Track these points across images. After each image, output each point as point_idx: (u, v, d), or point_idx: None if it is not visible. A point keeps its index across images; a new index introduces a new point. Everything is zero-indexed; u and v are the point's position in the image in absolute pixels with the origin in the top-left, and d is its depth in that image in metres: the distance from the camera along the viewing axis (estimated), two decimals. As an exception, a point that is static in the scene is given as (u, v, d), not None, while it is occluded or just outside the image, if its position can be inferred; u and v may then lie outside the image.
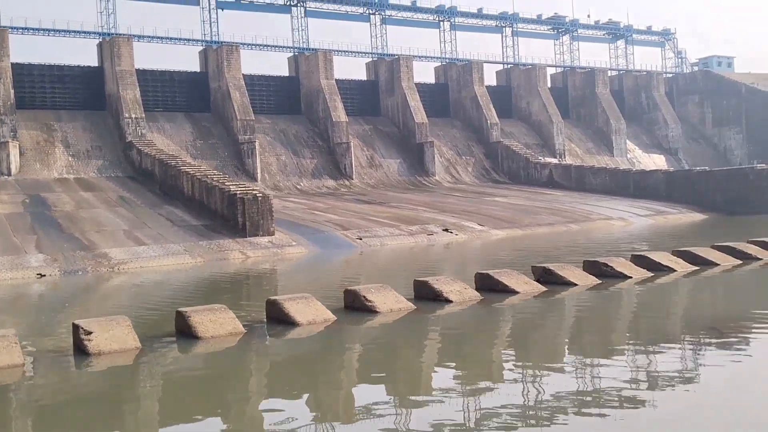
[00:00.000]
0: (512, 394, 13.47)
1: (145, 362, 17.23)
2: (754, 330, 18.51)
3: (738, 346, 16.70)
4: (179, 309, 20.17)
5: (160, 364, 17.46)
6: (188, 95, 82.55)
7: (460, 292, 23.66)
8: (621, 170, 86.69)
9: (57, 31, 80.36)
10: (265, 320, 21.24)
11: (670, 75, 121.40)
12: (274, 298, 21.64)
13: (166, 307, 25.55)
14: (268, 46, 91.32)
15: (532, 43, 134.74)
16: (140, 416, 13.80)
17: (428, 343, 19.36)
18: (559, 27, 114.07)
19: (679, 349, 16.87)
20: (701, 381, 14.14)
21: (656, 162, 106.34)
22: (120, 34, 78.86)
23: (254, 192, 52.40)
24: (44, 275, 39.58)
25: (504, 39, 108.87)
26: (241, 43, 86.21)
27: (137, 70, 76.73)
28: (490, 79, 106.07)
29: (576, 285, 25.54)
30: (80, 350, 17.65)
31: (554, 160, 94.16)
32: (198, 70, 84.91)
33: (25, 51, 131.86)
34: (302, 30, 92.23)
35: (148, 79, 79.15)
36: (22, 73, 73.47)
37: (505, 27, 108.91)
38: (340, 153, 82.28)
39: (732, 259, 30.94)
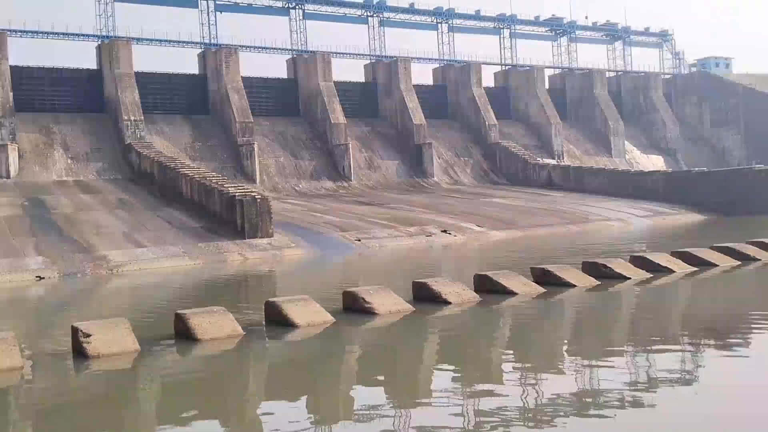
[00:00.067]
0: (511, 396, 13.48)
1: (144, 365, 17.24)
2: (753, 331, 18.53)
3: (737, 347, 16.72)
4: (178, 311, 20.17)
5: (159, 366, 17.46)
6: (187, 98, 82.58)
7: (458, 293, 23.67)
8: (620, 171, 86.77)
9: (56, 33, 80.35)
10: (264, 322, 21.24)
11: (668, 76, 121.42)
12: (272, 300, 21.64)
13: (165, 309, 25.55)
14: (267, 48, 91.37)
15: (530, 45, 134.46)
16: (139, 419, 13.80)
17: (427, 345, 19.36)
18: (557, 28, 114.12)
19: (679, 350, 16.88)
20: (700, 382, 14.15)
21: (655, 163, 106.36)
22: (119, 37, 78.89)
23: (253, 194, 52.42)
24: (43, 278, 39.59)
25: (502, 40, 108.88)
26: (240, 46, 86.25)
27: (136, 73, 76.75)
28: (488, 80, 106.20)
29: (575, 286, 25.54)
30: (79, 353, 17.65)
31: (553, 162, 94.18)
32: (197, 73, 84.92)
33: (24, 54, 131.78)
34: (300, 32, 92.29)
35: (147, 81, 79.13)
36: (21, 75, 73.46)
37: (503, 28, 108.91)
38: (338, 155, 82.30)
39: (731, 259, 30.95)
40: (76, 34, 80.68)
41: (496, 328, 21.27)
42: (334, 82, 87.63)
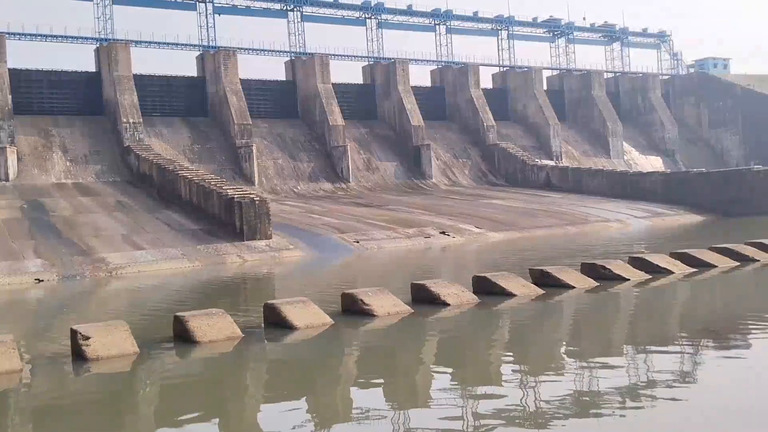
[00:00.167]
0: (510, 398, 13.49)
1: (143, 367, 17.25)
2: (751, 332, 18.53)
3: (736, 348, 16.75)
4: (177, 313, 20.18)
5: (158, 369, 17.47)
6: (186, 100, 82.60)
7: (457, 295, 23.68)
8: (618, 172, 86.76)
9: (54, 36, 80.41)
10: (262, 324, 21.25)
11: (666, 77, 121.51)
12: (271, 302, 21.65)
13: (164, 311, 25.57)
14: (265, 50, 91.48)
15: (528, 46, 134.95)
16: (139, 421, 13.81)
17: (426, 346, 19.37)
18: (555, 30, 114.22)
19: (677, 351, 16.89)
20: (699, 383, 14.17)
21: (653, 164, 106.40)
22: (117, 40, 78.97)
23: (251, 196, 52.44)
24: (42, 280, 39.59)
25: (500, 42, 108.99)
26: (239, 48, 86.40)
27: (135, 75, 76.78)
28: (486, 81, 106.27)
29: (574, 287, 25.55)
30: (78, 355, 17.66)
31: (551, 163, 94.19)
32: (195, 75, 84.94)
33: (22, 56, 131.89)
34: (299, 34, 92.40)
35: (145, 84, 79.18)
36: (20, 78, 73.45)
37: (500, 30, 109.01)
38: (337, 156, 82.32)
39: (729, 260, 30.97)
40: (75, 37, 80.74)
41: (494, 329, 21.28)
42: (332, 84, 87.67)
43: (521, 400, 13.35)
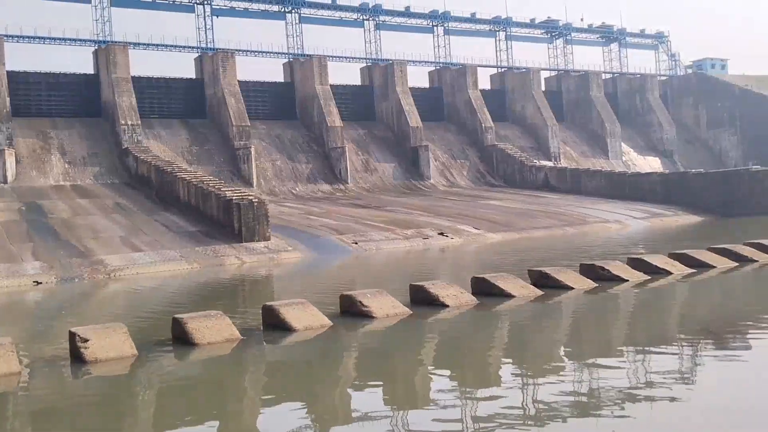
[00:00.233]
0: (509, 399, 13.49)
1: (141, 369, 17.24)
2: (750, 332, 18.55)
3: (735, 349, 16.75)
4: (175, 315, 20.17)
5: (157, 371, 17.46)
6: (184, 102, 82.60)
7: (456, 296, 23.68)
8: (617, 173, 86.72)
9: (53, 39, 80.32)
10: (261, 326, 21.24)
11: (664, 78, 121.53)
12: (270, 304, 21.65)
13: (162, 313, 25.56)
14: (263, 52, 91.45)
15: (525, 47, 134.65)
16: (137, 424, 13.80)
17: (425, 348, 19.37)
18: (553, 31, 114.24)
19: (676, 351, 16.90)
20: (698, 383, 14.17)
21: (651, 164, 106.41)
22: (115, 42, 78.94)
23: (250, 197, 52.43)
24: (41, 283, 39.56)
25: (497, 43, 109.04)
26: (237, 50, 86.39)
27: (133, 77, 76.74)
28: (485, 82, 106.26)
29: (573, 288, 25.56)
30: (77, 358, 17.64)
31: (549, 164, 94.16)
32: (194, 77, 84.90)
33: (21, 59, 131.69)
34: (297, 36, 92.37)
35: (143, 86, 79.21)
36: (18, 81, 73.41)
37: (498, 31, 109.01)
38: (335, 158, 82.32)
39: (728, 261, 31.00)
40: (73, 39, 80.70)
41: (493, 331, 21.28)
42: (330, 85, 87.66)
43: (520, 401, 13.35)
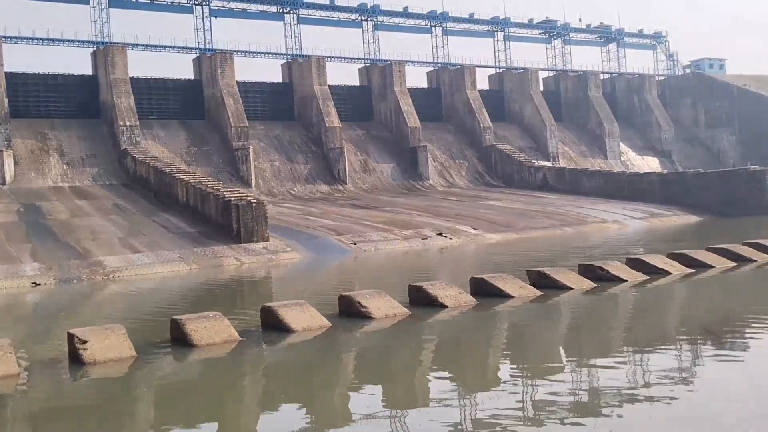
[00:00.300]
0: (508, 400, 13.48)
1: (140, 371, 17.22)
2: (749, 332, 18.55)
3: (734, 349, 16.75)
4: (174, 317, 20.15)
5: (156, 372, 17.45)
6: (182, 102, 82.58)
7: (455, 297, 23.67)
8: (615, 173, 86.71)
9: (51, 40, 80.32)
10: (260, 327, 21.23)
11: (663, 78, 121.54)
12: (269, 304, 21.64)
13: (161, 314, 25.54)
14: (262, 53, 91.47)
15: (524, 48, 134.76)
16: (136, 425, 13.79)
17: (424, 349, 19.36)
18: (551, 31, 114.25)
19: (675, 352, 16.90)
20: (697, 384, 14.17)
21: (650, 164, 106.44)
22: (114, 43, 78.92)
23: (248, 198, 52.40)
24: (39, 284, 39.52)
25: (496, 43, 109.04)
26: (235, 51, 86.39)
27: (131, 78, 76.71)
28: (483, 83, 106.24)
29: (571, 289, 25.55)
30: (75, 359, 17.63)
31: (548, 164, 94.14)
32: (192, 78, 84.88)
33: (19, 60, 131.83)
34: (295, 37, 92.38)
35: (142, 87, 79.18)
36: (16, 82, 73.38)
37: (496, 32, 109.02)
38: (333, 158, 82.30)
39: (727, 261, 31.00)
40: (71, 41, 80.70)
41: (492, 331, 21.28)
42: (328, 85, 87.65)
43: (519, 401, 13.34)
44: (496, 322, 22.44)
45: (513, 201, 73.91)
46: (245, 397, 15.47)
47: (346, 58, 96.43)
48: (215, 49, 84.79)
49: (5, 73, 70.74)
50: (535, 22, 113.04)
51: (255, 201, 51.63)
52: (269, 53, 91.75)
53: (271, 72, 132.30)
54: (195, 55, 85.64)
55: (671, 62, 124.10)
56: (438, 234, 54.76)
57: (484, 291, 24.78)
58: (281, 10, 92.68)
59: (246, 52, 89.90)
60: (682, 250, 31.71)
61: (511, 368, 16.48)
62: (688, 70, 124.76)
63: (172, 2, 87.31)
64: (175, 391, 16.04)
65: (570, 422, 12.00)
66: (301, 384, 15.85)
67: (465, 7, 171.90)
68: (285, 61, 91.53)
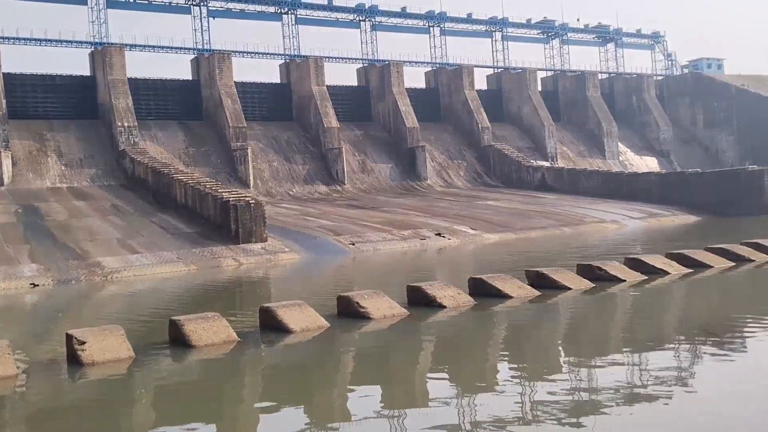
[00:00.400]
0: (507, 400, 13.48)
1: (138, 372, 17.21)
2: (747, 332, 18.55)
3: (732, 348, 16.75)
4: (172, 317, 20.15)
5: (154, 373, 17.44)
6: (181, 103, 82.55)
7: (453, 297, 23.66)
8: (613, 173, 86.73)
9: (49, 40, 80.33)
10: (258, 328, 21.22)
11: (661, 77, 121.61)
12: (267, 305, 21.64)
13: (159, 315, 25.54)
14: (260, 53, 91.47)
15: (522, 48, 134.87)
16: (134, 426, 13.78)
17: (422, 349, 19.35)
18: (549, 31, 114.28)
19: (674, 352, 16.90)
20: (696, 383, 14.17)
21: (648, 164, 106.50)
22: (112, 44, 78.88)
23: (247, 199, 52.38)
24: (37, 285, 39.49)
25: (494, 43, 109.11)
26: (233, 51, 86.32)
27: (129, 79, 76.68)
28: (481, 83, 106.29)
29: (570, 289, 25.55)
30: (74, 360, 17.62)
31: (546, 164, 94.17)
32: (190, 78, 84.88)
33: (17, 61, 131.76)
34: (293, 37, 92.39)
35: (140, 87, 79.15)
36: (14, 83, 73.33)
37: (494, 32, 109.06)
38: (331, 159, 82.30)
39: (725, 261, 31.01)
40: (69, 41, 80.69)
41: (491, 331, 21.27)
42: (326, 86, 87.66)
43: (518, 402, 13.34)
44: (494, 322, 22.44)
45: (511, 201, 73.91)
46: (244, 398, 15.46)
47: (345, 58, 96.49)
48: (213, 50, 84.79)
49: (3, 73, 70.68)
50: (533, 22, 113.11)
51: (253, 201, 51.61)
52: (267, 54, 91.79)
53: (269, 72, 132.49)
54: (193, 56, 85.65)
55: (669, 62, 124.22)
56: (436, 234, 54.76)
57: (482, 291, 24.77)
58: (279, 11, 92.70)
59: (244, 52, 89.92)
60: (681, 250, 31.72)
61: (510, 368, 16.47)
62: (686, 70, 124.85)
63: (169, 3, 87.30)
64: (173, 391, 16.02)
65: (568, 422, 12.00)
66: (300, 384, 15.84)
67: (463, 7, 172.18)
68: (283, 61, 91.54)
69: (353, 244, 50.38)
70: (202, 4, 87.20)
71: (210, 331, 19.37)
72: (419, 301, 23.65)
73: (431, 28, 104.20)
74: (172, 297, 34.53)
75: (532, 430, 11.82)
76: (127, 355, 17.91)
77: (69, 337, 18.02)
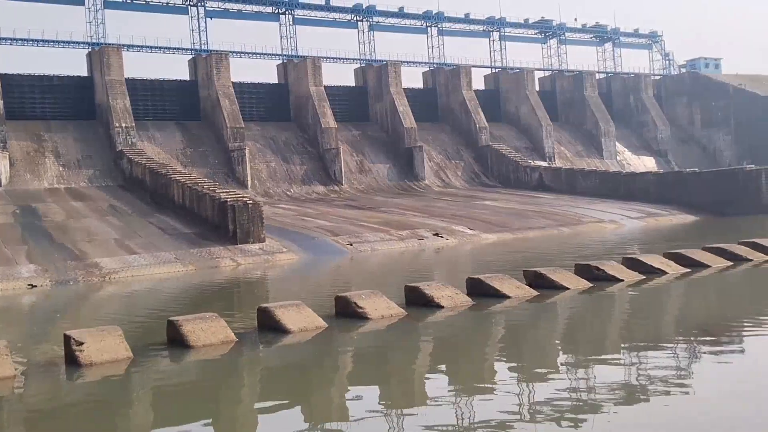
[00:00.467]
0: (505, 400, 13.49)
1: (136, 372, 17.21)
2: (745, 331, 18.57)
3: (730, 348, 16.77)
4: (170, 318, 20.15)
5: (152, 373, 17.43)
6: (178, 104, 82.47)
7: (451, 297, 23.67)
8: (611, 173, 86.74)
9: (46, 41, 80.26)
10: (256, 328, 21.22)
11: (658, 77, 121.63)
12: (265, 305, 21.63)
13: (157, 316, 25.53)
14: (257, 53, 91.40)
15: (519, 47, 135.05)
16: (133, 427, 13.78)
17: (420, 349, 19.36)
18: (547, 31, 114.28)
19: (672, 351, 16.91)
20: (694, 383, 14.19)
21: (646, 164, 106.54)
22: (109, 44, 78.78)
23: (245, 199, 52.36)
24: (35, 286, 39.47)
25: (491, 43, 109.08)
26: (230, 51, 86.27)
27: (127, 80, 76.62)
28: (479, 83, 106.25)
29: (568, 289, 25.57)
30: (72, 361, 17.61)
31: (544, 164, 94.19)
32: (188, 79, 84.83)
33: (14, 61, 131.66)
34: (291, 37, 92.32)
35: (137, 88, 79.07)
36: (12, 83, 73.29)
37: (492, 31, 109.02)
38: (329, 159, 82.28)
39: (723, 260, 31.04)
40: (67, 42, 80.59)
41: (489, 331, 21.28)
42: (324, 86, 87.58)
43: (516, 401, 13.35)
44: (492, 322, 22.45)
45: (509, 201, 73.92)
46: (242, 398, 15.46)
47: (342, 58, 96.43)
48: (211, 50, 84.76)
49: (0, 74, 70.67)
50: (530, 21, 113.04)
51: (251, 202, 51.59)
52: (265, 54, 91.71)
53: (266, 73, 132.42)
54: (190, 56, 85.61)
55: (667, 62, 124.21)
56: (434, 234, 54.76)
57: (480, 291, 24.79)
58: (276, 11, 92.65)
59: (241, 52, 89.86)
60: (679, 250, 31.75)
61: (508, 368, 16.48)
62: (683, 70, 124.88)
63: (167, 3, 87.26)
64: (171, 392, 16.02)
65: (566, 422, 12.01)
66: (298, 385, 15.84)
67: (460, 7, 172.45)
68: (280, 61, 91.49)
69: (351, 245, 50.39)
70: (199, 4, 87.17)
71: (208, 332, 19.38)
72: (417, 301, 23.66)
73: (429, 28, 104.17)
74: (169, 297, 34.52)
75: (530, 430, 11.82)
76: (125, 356, 17.91)
77: (67, 338, 18.02)
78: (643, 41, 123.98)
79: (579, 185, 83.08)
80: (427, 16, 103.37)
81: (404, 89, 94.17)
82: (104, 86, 74.52)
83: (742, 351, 16.54)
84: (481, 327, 21.71)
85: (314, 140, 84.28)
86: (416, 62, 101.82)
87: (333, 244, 50.65)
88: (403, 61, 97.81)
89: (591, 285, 26.19)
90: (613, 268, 28.17)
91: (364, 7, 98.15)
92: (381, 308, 22.21)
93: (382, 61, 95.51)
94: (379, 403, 14.12)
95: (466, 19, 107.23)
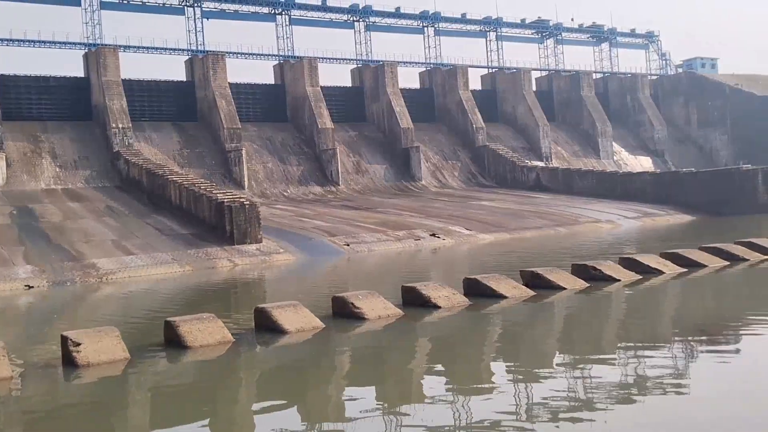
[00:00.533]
0: (502, 400, 13.50)
1: (134, 373, 17.20)
2: (742, 331, 18.59)
3: (727, 348, 16.79)
4: (168, 318, 20.15)
5: (150, 374, 17.43)
6: (175, 104, 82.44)
7: (448, 297, 23.67)
8: (608, 173, 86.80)
9: (43, 42, 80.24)
10: (253, 328, 21.22)
11: (655, 77, 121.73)
12: (262, 306, 21.63)
13: (154, 316, 25.51)
14: (254, 54, 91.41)
15: (516, 48, 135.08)
16: (130, 427, 13.78)
17: (417, 349, 19.37)
18: (543, 31, 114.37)
19: (669, 351, 16.93)
20: (691, 383, 14.20)
21: (643, 164, 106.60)
22: (106, 45, 78.74)
23: (241, 200, 52.35)
24: (32, 286, 39.43)
25: (488, 43, 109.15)
26: (227, 52, 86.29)
27: (124, 80, 76.59)
28: (475, 83, 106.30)
29: (565, 289, 25.57)
30: (69, 362, 17.60)
31: (541, 164, 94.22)
32: (184, 80, 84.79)
33: (10, 62, 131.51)
34: (287, 38, 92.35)
35: (134, 89, 79.04)
36: (8, 84, 73.27)
37: (489, 32, 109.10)
38: (326, 159, 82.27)
39: (719, 260, 31.07)
40: (63, 42, 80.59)
41: (485, 332, 21.29)
42: (320, 87, 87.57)
43: (513, 401, 13.36)
44: (489, 322, 22.46)
45: (506, 201, 73.94)
46: (239, 399, 15.47)
47: (339, 59, 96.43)
48: (207, 51, 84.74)
49: (-3, 75, 70.69)
50: (527, 21, 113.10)
51: (248, 202, 51.59)
52: (261, 54, 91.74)
53: (263, 73, 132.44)
54: (187, 57, 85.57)
55: (663, 62, 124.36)
56: (431, 235, 54.77)
57: (477, 291, 24.79)
58: (273, 11, 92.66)
59: (238, 53, 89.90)
60: (675, 250, 31.78)
61: (505, 368, 16.49)
62: (680, 70, 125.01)
63: (163, 4, 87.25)
64: (168, 393, 16.02)
65: (563, 422, 12.02)
66: (295, 385, 15.85)
67: (457, 7, 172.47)
68: (277, 62, 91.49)
69: (348, 245, 50.38)
70: (195, 5, 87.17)
71: (205, 332, 19.38)
72: (414, 301, 23.66)
73: (425, 29, 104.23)
74: (167, 298, 34.50)
75: (527, 430, 11.83)
76: (123, 357, 17.90)
77: (64, 339, 18.01)
78: (639, 41, 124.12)
79: (576, 185, 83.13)
80: (423, 17, 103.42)
81: (401, 89, 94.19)
82: (101, 87, 74.48)
83: (739, 351, 16.57)
84: (478, 327, 21.72)
85: (311, 141, 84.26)
86: (413, 62, 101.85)
87: (330, 244, 50.65)
88: (400, 62, 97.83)
89: (588, 285, 26.21)
90: (610, 268, 28.19)
91: (360, 7, 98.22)
92: (378, 308, 22.21)
93: (379, 61, 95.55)
94: (376, 404, 14.13)
95: (463, 19, 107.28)
